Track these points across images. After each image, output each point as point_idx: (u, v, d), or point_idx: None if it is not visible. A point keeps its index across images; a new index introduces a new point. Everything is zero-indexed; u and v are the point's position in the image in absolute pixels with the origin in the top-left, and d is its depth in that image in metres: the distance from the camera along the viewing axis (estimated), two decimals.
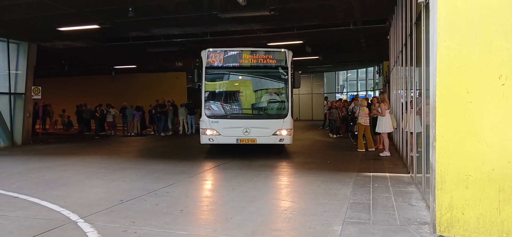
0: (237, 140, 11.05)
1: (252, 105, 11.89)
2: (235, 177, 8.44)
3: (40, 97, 16.45)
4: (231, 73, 11.89)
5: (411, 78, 8.39)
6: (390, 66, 16.42)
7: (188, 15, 12.92)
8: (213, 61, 11.36)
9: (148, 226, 5.11)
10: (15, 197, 6.75)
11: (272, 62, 11.41)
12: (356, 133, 14.31)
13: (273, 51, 11.64)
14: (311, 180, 8.19)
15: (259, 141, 11.12)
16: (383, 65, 23.21)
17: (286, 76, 11.35)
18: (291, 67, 11.39)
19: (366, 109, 12.56)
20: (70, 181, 8.23)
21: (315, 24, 15.01)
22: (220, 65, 11.47)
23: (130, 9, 11.14)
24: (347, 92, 34.27)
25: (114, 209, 5.92)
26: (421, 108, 6.99)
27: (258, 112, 11.71)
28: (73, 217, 5.48)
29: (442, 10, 4.48)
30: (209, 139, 11.20)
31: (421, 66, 6.58)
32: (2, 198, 6.69)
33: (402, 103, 10.49)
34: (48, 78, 24.92)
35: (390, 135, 12.41)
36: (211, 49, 11.39)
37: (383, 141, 11.83)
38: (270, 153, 11.97)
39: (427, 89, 5.35)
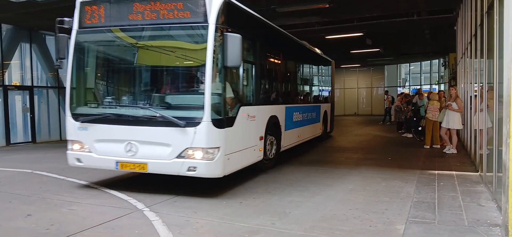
0: (116, 163, 6.41)
1: (143, 99, 6.73)
2: (291, 173, 8.43)
3: None
4: (114, 39, 6.82)
5: (481, 70, 7.90)
6: (456, 58, 15.57)
7: None
8: (88, 19, 6.69)
9: (209, 217, 5.27)
10: (86, 185, 7.25)
11: (182, 16, 6.15)
12: (419, 128, 13.75)
13: None
14: (371, 176, 7.99)
15: (152, 168, 6.25)
16: (449, 57, 22.07)
17: (206, 42, 5.96)
18: (219, 26, 6.05)
19: (436, 104, 11.93)
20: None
21: (376, 15, 14.60)
22: (98, 25, 6.65)
23: None
24: (409, 85, 32.98)
25: (177, 199, 6.15)
26: (492, 103, 6.56)
27: (152, 114, 6.30)
28: (140, 206, 5.78)
29: None
30: (76, 159, 6.77)
31: (492, 58, 6.17)
32: (75, 187, 7.21)
33: (470, 97, 9.92)
34: None
35: (457, 131, 11.76)
36: (85, 0, 6.76)
37: (449, 138, 11.22)
38: (325, 148, 11.80)
39: (500, 83, 5.02)
